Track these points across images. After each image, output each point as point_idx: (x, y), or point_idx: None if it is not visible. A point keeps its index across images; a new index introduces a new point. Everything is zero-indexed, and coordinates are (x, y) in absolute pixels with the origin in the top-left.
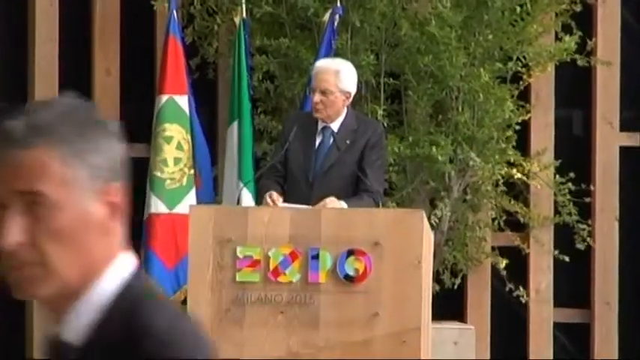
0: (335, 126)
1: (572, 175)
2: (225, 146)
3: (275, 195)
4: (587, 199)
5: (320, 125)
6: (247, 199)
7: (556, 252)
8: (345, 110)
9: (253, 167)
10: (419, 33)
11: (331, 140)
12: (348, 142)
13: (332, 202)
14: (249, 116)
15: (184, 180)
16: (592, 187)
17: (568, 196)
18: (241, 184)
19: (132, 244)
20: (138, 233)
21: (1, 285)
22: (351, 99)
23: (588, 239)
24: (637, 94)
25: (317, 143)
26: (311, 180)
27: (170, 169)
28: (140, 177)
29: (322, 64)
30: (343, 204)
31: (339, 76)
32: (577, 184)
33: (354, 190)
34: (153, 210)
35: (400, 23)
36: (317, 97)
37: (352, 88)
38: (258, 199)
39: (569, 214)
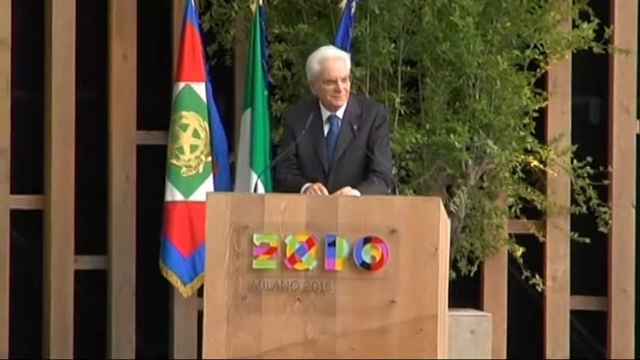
0: (340, 113)
1: (589, 159)
2: (240, 133)
3: (321, 186)
4: (605, 185)
5: (325, 114)
6: (261, 190)
7: (575, 234)
8: None
9: (269, 155)
10: (437, 21)
11: (340, 127)
12: (355, 127)
13: (348, 192)
14: (263, 104)
15: (201, 167)
16: (610, 171)
17: (587, 181)
18: (255, 175)
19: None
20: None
21: None
22: None
23: (610, 222)
24: None
25: (325, 132)
26: (326, 169)
27: (186, 157)
28: (159, 164)
29: (330, 54)
30: (356, 192)
31: (347, 62)
32: (594, 169)
33: (365, 173)
34: (169, 198)
35: (421, 12)
36: (341, 86)
37: None
38: (279, 191)
39: (590, 198)
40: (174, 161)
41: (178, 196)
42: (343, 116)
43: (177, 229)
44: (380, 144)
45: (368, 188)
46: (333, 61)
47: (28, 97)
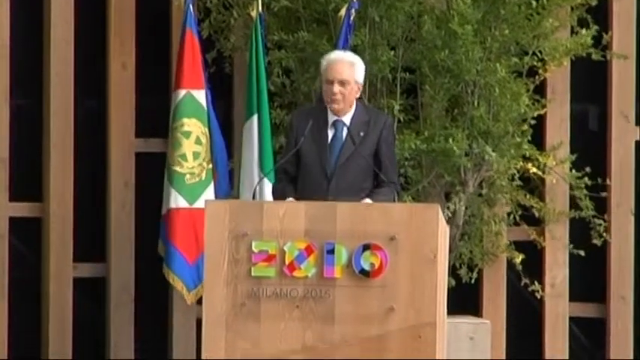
0: (347, 119)
1: (587, 169)
2: (242, 140)
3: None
4: (603, 194)
5: (331, 118)
6: (268, 189)
7: (571, 246)
8: (354, 102)
9: (274, 159)
10: (436, 28)
11: (345, 133)
12: (361, 134)
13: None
14: (268, 110)
15: (203, 174)
16: (608, 182)
17: (585, 191)
18: (264, 179)
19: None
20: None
21: None
22: (360, 91)
23: (605, 235)
24: None
25: (330, 136)
26: (329, 174)
27: (190, 164)
28: (157, 172)
29: (336, 55)
30: (369, 202)
31: (355, 67)
32: (593, 178)
33: (372, 182)
34: (173, 205)
35: (420, 20)
36: (336, 88)
37: (362, 80)
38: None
39: (586, 208)
40: (177, 168)
41: (183, 203)
42: (351, 122)
43: (182, 236)
44: (390, 156)
45: (382, 198)
46: (336, 62)
47: (26, 105)
